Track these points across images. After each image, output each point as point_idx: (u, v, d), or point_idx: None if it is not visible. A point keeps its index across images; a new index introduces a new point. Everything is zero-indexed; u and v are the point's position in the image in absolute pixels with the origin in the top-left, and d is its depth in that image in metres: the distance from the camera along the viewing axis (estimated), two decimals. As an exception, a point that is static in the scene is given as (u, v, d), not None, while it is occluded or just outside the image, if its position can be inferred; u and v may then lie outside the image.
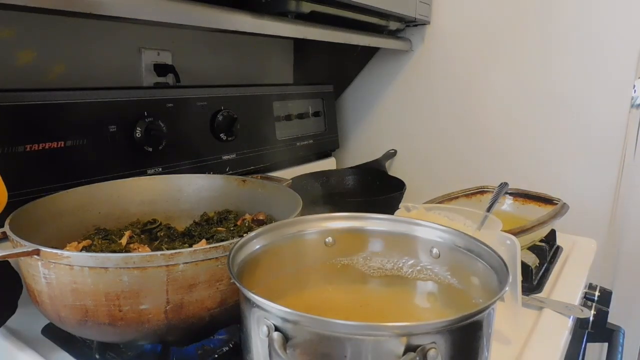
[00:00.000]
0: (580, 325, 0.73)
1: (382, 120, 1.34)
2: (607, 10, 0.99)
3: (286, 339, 0.35)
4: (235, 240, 0.47)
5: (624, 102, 1.00)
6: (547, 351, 0.59)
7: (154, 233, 0.68)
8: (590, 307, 0.75)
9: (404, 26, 1.22)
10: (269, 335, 0.36)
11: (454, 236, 0.50)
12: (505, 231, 0.64)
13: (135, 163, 0.80)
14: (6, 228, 0.50)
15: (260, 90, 1.07)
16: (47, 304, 0.49)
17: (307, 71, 1.39)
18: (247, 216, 0.71)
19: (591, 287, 0.83)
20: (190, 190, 0.75)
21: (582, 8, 1.02)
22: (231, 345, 0.57)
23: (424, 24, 1.21)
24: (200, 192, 0.75)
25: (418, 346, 0.33)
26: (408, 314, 0.49)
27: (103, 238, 0.64)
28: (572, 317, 0.67)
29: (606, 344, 0.77)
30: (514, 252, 0.58)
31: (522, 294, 0.69)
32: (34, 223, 0.57)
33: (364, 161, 1.30)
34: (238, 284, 0.38)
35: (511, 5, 1.09)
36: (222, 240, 0.59)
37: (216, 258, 0.48)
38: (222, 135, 0.94)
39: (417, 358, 0.33)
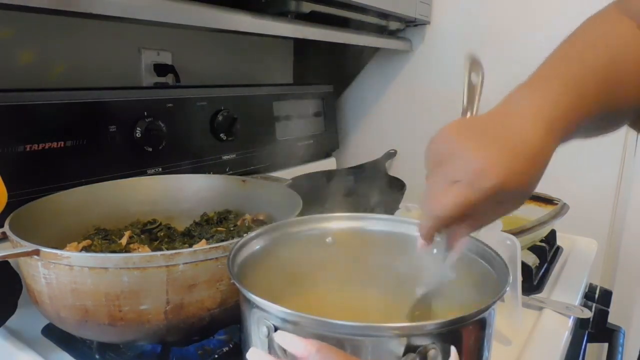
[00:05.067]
0: (580, 325, 0.73)
1: (382, 120, 1.34)
2: (607, 10, 0.99)
3: (286, 339, 0.35)
4: (235, 240, 0.47)
5: (624, 102, 1.00)
6: (547, 351, 0.59)
7: (154, 233, 0.68)
8: (590, 307, 0.75)
9: (404, 26, 1.22)
10: (268, 335, 0.36)
11: (454, 236, 0.49)
12: (505, 231, 0.64)
13: (135, 163, 0.80)
14: (6, 228, 0.50)
15: (260, 90, 1.07)
16: (47, 304, 0.49)
17: (307, 71, 1.38)
18: (247, 216, 0.71)
19: (591, 287, 0.83)
20: (190, 191, 0.75)
21: (582, 8, 1.01)
22: (231, 346, 0.57)
23: (424, 24, 1.20)
24: (200, 192, 0.75)
25: (418, 347, 0.33)
26: (408, 314, 0.49)
27: (103, 238, 0.63)
28: (572, 317, 0.67)
29: (606, 344, 0.77)
30: (514, 252, 0.58)
31: (522, 294, 0.69)
32: (34, 223, 0.57)
33: (364, 161, 1.30)
34: (238, 285, 0.38)
35: (511, 5, 1.09)
36: (222, 241, 0.59)
37: (216, 258, 0.47)
38: (222, 135, 0.94)
39: (418, 358, 0.33)
